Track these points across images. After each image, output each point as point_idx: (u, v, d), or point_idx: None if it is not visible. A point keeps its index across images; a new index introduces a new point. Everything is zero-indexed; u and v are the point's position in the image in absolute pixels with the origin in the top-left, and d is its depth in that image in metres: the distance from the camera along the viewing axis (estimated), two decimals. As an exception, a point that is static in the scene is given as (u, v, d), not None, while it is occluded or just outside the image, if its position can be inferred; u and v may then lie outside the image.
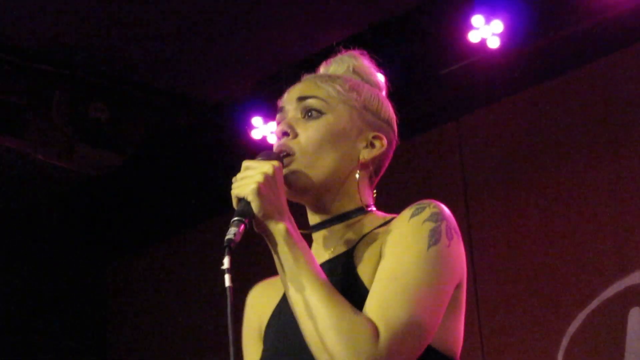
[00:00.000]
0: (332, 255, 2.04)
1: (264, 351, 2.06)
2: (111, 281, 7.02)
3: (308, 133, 2.05)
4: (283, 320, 2.03)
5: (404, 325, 1.84)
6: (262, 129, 5.36)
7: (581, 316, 4.91)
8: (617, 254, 4.86)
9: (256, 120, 5.36)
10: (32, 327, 6.65)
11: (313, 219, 2.09)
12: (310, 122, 2.06)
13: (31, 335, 6.62)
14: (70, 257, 6.82)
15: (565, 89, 5.15)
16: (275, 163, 1.94)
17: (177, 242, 6.69)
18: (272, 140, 4.97)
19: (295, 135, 2.05)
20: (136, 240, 6.77)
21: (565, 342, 4.93)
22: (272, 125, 5.26)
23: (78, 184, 6.29)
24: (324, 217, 2.08)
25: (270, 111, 5.21)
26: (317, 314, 1.83)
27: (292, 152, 2.03)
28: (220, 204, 6.08)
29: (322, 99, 2.07)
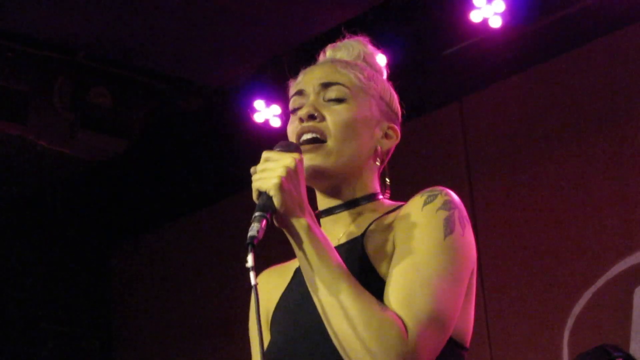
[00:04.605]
0: (341, 241, 2.03)
1: (273, 338, 2.04)
2: (115, 267, 7.03)
3: (335, 117, 2.03)
4: (291, 306, 2.02)
5: (430, 319, 1.83)
6: (264, 112, 5.33)
7: (587, 295, 4.90)
8: (622, 233, 4.86)
9: (258, 104, 5.34)
10: (37, 313, 6.66)
11: (323, 203, 2.08)
12: (335, 106, 2.05)
13: (36, 321, 6.63)
14: (74, 243, 6.83)
15: (567, 68, 5.13)
16: (297, 155, 1.90)
17: (181, 227, 6.69)
18: (275, 123, 5.02)
19: (323, 118, 2.03)
20: (140, 226, 6.78)
21: (570, 321, 4.93)
22: (275, 109, 5.24)
23: (81, 170, 6.29)
24: (335, 203, 2.07)
25: (272, 94, 5.20)
26: (345, 311, 1.81)
27: (324, 135, 2.02)
28: (223, 187, 6.15)
29: (346, 86, 2.06)
